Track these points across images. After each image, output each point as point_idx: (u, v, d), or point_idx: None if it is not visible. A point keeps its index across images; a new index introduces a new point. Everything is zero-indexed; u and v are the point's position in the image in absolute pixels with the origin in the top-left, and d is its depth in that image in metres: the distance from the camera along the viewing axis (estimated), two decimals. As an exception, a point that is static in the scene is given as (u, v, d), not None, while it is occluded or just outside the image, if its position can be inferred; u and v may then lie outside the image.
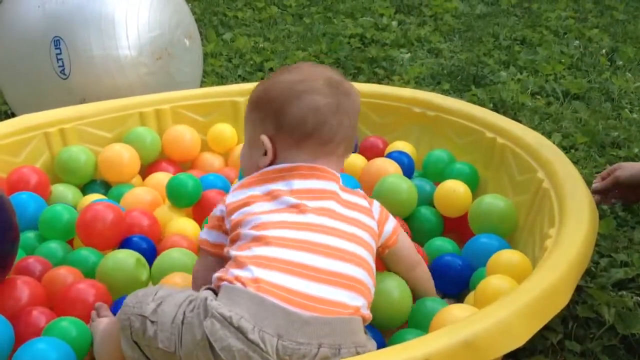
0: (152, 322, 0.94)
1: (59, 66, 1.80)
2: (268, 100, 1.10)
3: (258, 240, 0.98)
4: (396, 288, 1.15)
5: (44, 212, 1.39)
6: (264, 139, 1.09)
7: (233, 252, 0.99)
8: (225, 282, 0.94)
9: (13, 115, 2.02)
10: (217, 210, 1.09)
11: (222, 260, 1.04)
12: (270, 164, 1.10)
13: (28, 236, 1.39)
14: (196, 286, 1.08)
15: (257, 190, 1.06)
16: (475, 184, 1.53)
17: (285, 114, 1.08)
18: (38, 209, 1.42)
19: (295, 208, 1.02)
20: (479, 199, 1.41)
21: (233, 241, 1.03)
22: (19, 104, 1.92)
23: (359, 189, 1.14)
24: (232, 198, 1.08)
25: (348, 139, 1.12)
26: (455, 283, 1.27)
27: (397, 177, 1.46)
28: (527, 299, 0.96)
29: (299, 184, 1.05)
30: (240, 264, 0.96)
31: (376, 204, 1.14)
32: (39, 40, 1.80)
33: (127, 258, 1.27)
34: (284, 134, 1.09)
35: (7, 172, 1.51)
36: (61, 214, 1.38)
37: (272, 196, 1.04)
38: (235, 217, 1.04)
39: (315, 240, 0.98)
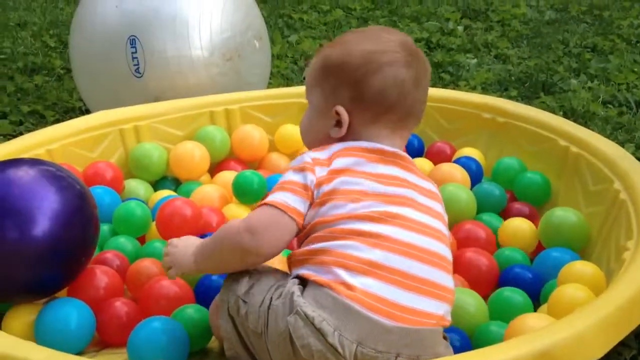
0: (244, 302, 0.97)
1: (134, 65, 1.85)
2: (346, 69, 1.04)
3: (356, 235, 0.93)
4: (473, 305, 1.14)
5: (118, 208, 1.43)
6: (340, 110, 1.04)
7: (326, 243, 0.93)
8: (314, 281, 0.92)
9: (87, 111, 2.09)
10: (301, 177, 0.99)
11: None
12: (342, 136, 1.05)
13: (102, 229, 1.44)
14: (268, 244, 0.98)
15: (348, 164, 1.00)
16: (547, 194, 1.50)
17: (366, 86, 1.03)
18: (112, 203, 1.47)
19: (386, 197, 0.98)
20: (549, 212, 1.38)
21: (324, 222, 0.96)
22: (94, 101, 1.98)
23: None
24: (321, 171, 1.00)
25: (422, 112, 1.09)
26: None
27: (457, 186, 1.45)
28: (605, 311, 0.94)
29: (382, 169, 1.01)
30: (334, 262, 0.92)
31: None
32: (115, 39, 1.85)
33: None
34: (361, 107, 1.04)
35: (83, 167, 1.56)
36: (134, 210, 1.42)
37: (363, 175, 0.99)
38: (328, 188, 0.98)
39: (411, 242, 0.95)
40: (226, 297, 1.01)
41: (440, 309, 0.94)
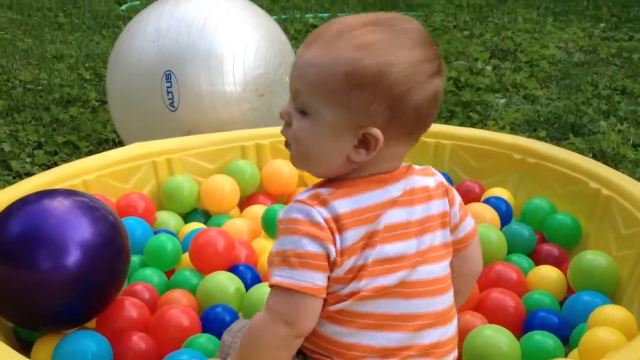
0: None
1: (169, 99, 1.89)
2: (386, 84, 0.86)
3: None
4: (506, 344, 1.13)
5: (150, 242, 1.45)
6: (376, 132, 0.87)
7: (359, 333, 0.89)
8: None
9: (120, 143, 2.13)
10: (314, 246, 0.87)
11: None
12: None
13: (132, 260, 1.45)
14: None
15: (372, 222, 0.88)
16: (577, 236, 1.49)
17: (407, 104, 0.87)
18: (144, 234, 1.49)
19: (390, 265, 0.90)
20: (579, 255, 1.37)
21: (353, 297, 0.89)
22: (128, 133, 2.02)
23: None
24: (349, 238, 0.88)
25: None
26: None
27: (487, 227, 1.45)
28: (638, 355, 0.92)
29: (389, 216, 0.91)
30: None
31: (451, 188, 0.99)
32: (151, 74, 1.90)
33: (227, 282, 1.31)
34: (396, 126, 0.88)
35: (116, 197, 1.59)
36: (166, 244, 1.44)
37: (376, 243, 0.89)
38: (356, 263, 0.88)
39: (407, 312, 0.91)
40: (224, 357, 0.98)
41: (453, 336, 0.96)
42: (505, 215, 1.55)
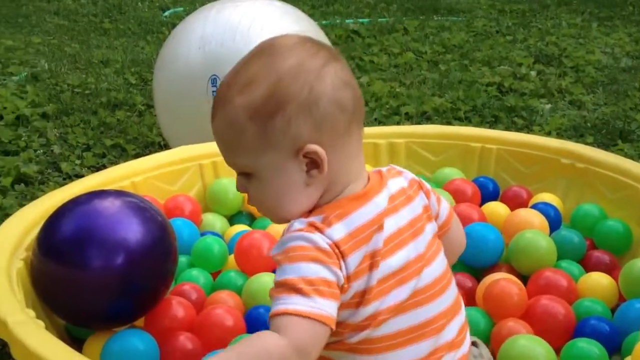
0: None
1: (215, 102, 1.90)
2: (288, 98, 0.82)
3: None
4: (543, 356, 1.12)
5: (197, 243, 1.46)
6: (312, 147, 0.83)
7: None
8: None
9: (166, 146, 2.16)
10: (326, 272, 0.82)
11: None
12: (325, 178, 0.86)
13: (180, 260, 1.47)
14: None
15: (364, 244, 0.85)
16: (628, 243, 1.46)
17: (320, 103, 0.83)
18: (191, 236, 1.50)
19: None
20: (631, 263, 1.34)
21: (359, 327, 0.87)
22: (174, 136, 2.05)
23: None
24: (351, 262, 0.84)
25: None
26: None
27: (535, 233, 1.42)
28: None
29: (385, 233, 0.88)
30: None
31: (422, 181, 0.96)
32: (197, 78, 1.92)
33: (271, 283, 1.30)
34: (327, 130, 0.84)
35: (164, 199, 1.61)
36: (212, 246, 1.45)
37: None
38: (360, 287, 0.85)
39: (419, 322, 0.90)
40: None
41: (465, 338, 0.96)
42: (554, 221, 1.52)
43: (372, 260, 0.86)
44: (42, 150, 2.23)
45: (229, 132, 0.85)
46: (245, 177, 0.88)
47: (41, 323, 1.06)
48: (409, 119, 2.54)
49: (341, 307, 0.84)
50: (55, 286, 1.21)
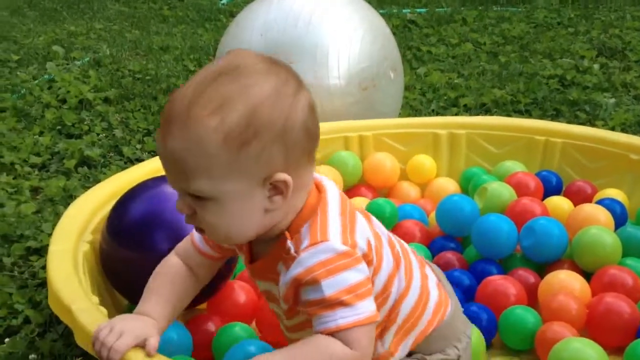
0: None
1: (275, 90, 1.91)
2: (262, 127, 0.81)
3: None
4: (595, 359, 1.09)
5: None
6: (283, 177, 0.83)
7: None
8: None
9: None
10: (359, 272, 0.87)
11: None
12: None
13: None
14: None
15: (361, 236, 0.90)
16: (699, 242, 1.41)
17: (294, 132, 0.83)
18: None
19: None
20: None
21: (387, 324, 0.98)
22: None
23: None
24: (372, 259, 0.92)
25: None
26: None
27: (600, 229, 1.39)
28: None
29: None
30: None
31: None
32: (258, 65, 1.93)
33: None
34: (295, 157, 0.84)
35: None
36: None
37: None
38: (383, 278, 0.94)
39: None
40: None
41: None
42: (620, 218, 1.48)
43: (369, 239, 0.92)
44: (104, 134, 2.28)
45: (191, 154, 0.80)
46: (196, 200, 0.84)
47: (104, 310, 1.08)
48: (468, 110, 2.50)
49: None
50: (123, 268, 1.24)
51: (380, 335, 0.97)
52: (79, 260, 1.22)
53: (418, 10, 3.92)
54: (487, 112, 2.49)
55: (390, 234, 1.01)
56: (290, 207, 0.87)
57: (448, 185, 1.73)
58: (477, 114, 2.45)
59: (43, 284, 1.48)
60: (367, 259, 0.89)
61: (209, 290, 1.25)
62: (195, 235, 1.01)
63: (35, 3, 4.30)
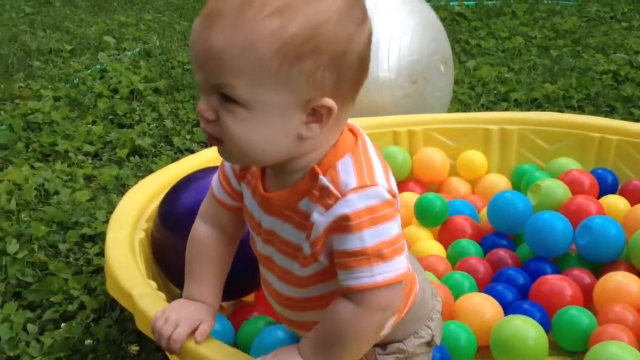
0: None
1: (325, 82, 1.91)
2: (325, 43, 0.74)
3: None
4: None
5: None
6: (329, 102, 0.77)
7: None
8: None
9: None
10: (398, 225, 0.82)
11: None
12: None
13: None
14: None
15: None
16: None
17: (350, 58, 0.76)
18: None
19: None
20: None
21: None
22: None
23: None
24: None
25: None
26: None
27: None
28: None
29: None
30: None
31: None
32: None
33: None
34: (345, 87, 0.78)
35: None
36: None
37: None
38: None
39: None
40: None
41: None
42: (679, 219, 1.44)
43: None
44: (154, 124, 2.32)
45: (237, 52, 0.73)
46: (225, 102, 0.76)
47: (162, 295, 1.09)
48: (518, 105, 2.46)
49: None
50: (174, 256, 1.25)
51: None
52: (136, 246, 1.24)
53: (466, 2, 3.87)
54: (539, 107, 2.45)
55: None
56: (322, 141, 0.80)
57: (499, 182, 1.71)
58: (528, 109, 2.41)
59: (97, 270, 1.51)
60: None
61: (256, 282, 1.26)
62: (214, 185, 0.95)
63: (86, -6, 4.37)
